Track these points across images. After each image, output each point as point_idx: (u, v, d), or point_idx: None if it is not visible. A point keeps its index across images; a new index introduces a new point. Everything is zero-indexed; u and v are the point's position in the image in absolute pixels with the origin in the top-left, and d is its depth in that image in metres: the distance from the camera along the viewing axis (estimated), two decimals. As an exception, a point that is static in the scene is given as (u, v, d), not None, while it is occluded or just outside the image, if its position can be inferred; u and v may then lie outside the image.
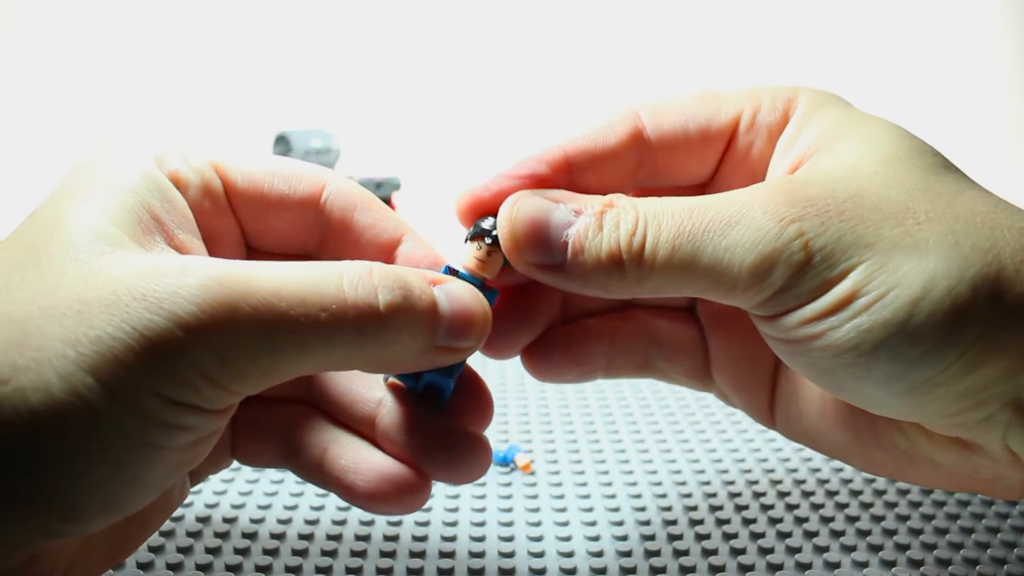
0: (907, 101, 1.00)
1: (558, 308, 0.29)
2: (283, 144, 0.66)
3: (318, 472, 0.26)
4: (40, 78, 1.01)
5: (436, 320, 0.22)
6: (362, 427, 0.26)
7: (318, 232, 0.26)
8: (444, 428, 0.25)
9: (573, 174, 0.26)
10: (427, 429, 0.25)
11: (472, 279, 0.24)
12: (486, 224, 0.24)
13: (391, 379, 0.26)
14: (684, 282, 0.22)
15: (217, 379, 0.19)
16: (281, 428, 0.27)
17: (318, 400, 0.27)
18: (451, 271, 0.25)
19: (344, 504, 0.33)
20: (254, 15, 1.02)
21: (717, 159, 0.27)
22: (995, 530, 0.32)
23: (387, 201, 0.64)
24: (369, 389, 0.26)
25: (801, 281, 0.21)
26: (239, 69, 1.02)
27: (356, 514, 0.33)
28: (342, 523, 0.32)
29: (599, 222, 0.23)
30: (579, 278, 0.23)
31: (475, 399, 0.26)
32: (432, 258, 0.26)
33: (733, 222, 0.22)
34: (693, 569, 0.29)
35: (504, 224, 0.23)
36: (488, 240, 0.24)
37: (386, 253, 0.26)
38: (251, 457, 0.27)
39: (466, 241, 0.25)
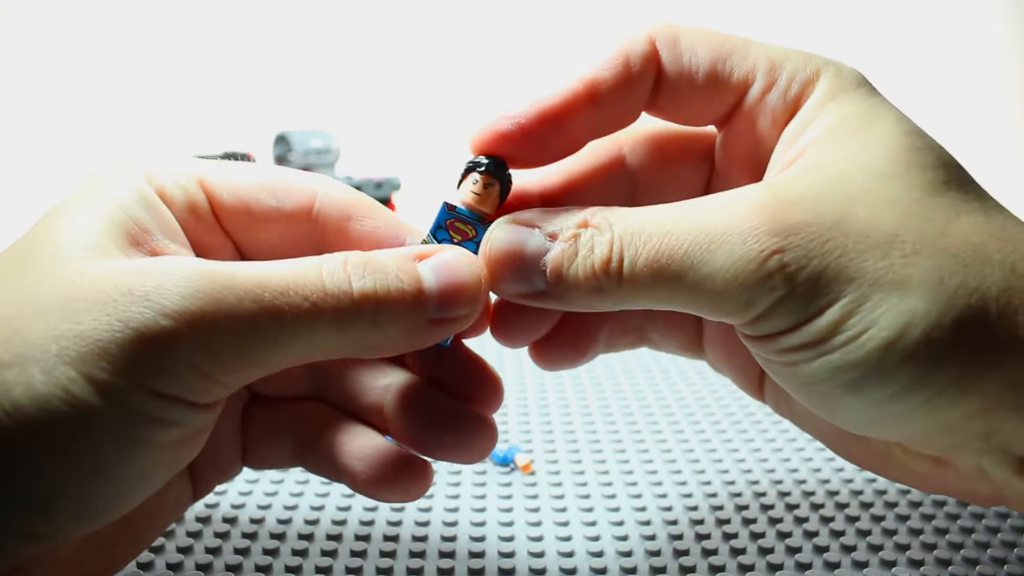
0: (908, 100, 1.00)
1: None
2: (283, 144, 0.66)
3: (330, 465, 0.26)
4: (40, 78, 1.01)
5: (421, 297, 0.22)
6: (371, 415, 0.27)
7: (313, 243, 0.26)
8: (451, 408, 0.26)
9: (595, 104, 0.25)
10: (434, 410, 0.26)
11: (471, 214, 0.24)
12: (476, 159, 0.24)
13: None
14: (665, 302, 0.22)
15: (205, 370, 0.20)
16: (293, 426, 0.27)
17: (327, 395, 0.28)
18: (449, 207, 0.24)
19: (344, 504, 0.33)
20: (254, 16, 1.02)
21: (726, 112, 0.26)
22: (995, 530, 0.32)
23: (386, 201, 0.64)
24: (374, 378, 0.27)
25: (780, 312, 0.21)
26: (239, 69, 1.02)
27: (356, 514, 0.33)
28: (342, 523, 0.32)
29: (574, 247, 0.22)
30: (563, 302, 0.23)
31: (484, 383, 0.27)
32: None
33: (714, 247, 0.21)
34: (693, 569, 0.29)
35: (482, 257, 0.23)
36: (481, 170, 0.24)
37: None
38: (263, 459, 0.28)
39: (461, 176, 0.25)
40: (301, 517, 0.32)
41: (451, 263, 0.23)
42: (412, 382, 0.27)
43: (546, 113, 0.24)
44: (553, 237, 0.23)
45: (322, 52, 1.02)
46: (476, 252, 0.24)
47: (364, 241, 0.26)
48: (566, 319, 0.28)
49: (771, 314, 0.21)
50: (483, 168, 0.24)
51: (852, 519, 0.33)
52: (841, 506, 0.34)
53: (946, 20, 1.01)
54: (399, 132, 1.01)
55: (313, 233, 0.26)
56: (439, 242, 0.24)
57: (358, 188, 0.64)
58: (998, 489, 0.23)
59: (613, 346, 0.30)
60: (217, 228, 0.26)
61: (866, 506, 0.34)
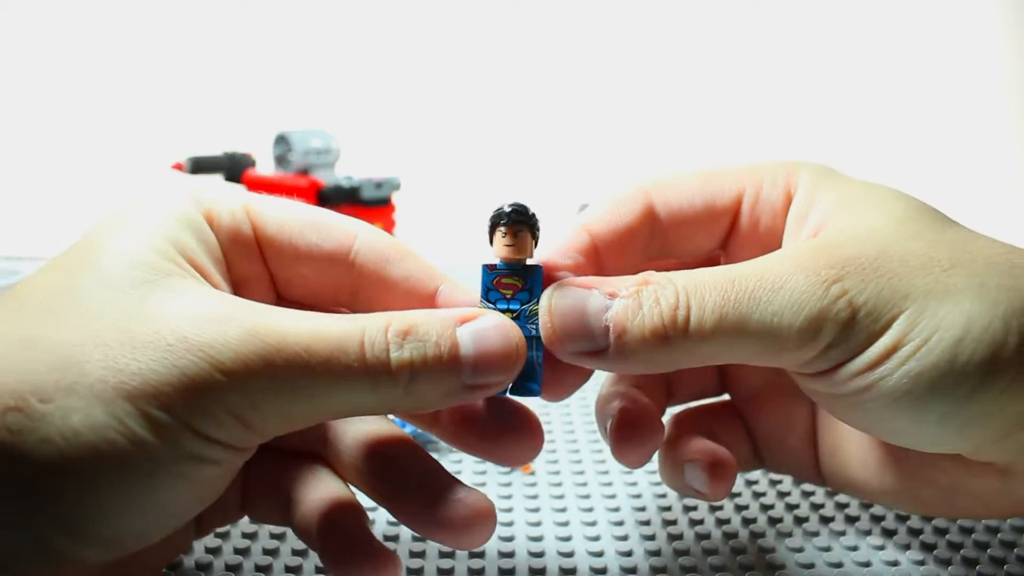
0: (908, 100, 1.00)
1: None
2: (283, 144, 0.66)
3: (306, 533, 0.26)
4: (40, 78, 1.01)
5: (458, 364, 0.22)
6: (422, 415, 0.28)
7: (349, 284, 0.26)
8: (501, 406, 0.26)
9: (600, 254, 0.27)
10: (486, 409, 0.26)
11: (511, 267, 0.25)
12: (499, 211, 0.24)
13: None
14: (733, 349, 0.23)
15: (246, 420, 0.21)
16: (287, 483, 0.27)
17: (328, 452, 0.28)
18: (489, 268, 0.25)
19: (344, 504, 0.33)
20: (254, 16, 1.02)
21: (723, 234, 0.28)
22: (995, 530, 0.32)
23: (386, 201, 0.64)
24: (353, 424, 0.27)
25: (849, 336, 0.22)
26: (239, 69, 1.02)
27: (356, 514, 0.33)
28: (342, 523, 0.32)
29: (637, 301, 0.23)
30: (624, 358, 0.23)
31: (523, 429, 0.27)
32: (472, 301, 0.26)
33: (777, 287, 0.22)
34: (694, 569, 0.29)
35: (544, 319, 0.24)
36: (505, 222, 0.24)
37: (426, 302, 0.26)
38: (259, 511, 0.28)
39: (489, 233, 0.25)
40: (301, 517, 0.32)
41: (489, 331, 0.23)
42: (389, 438, 0.27)
43: (553, 268, 0.26)
44: (612, 296, 0.23)
45: (322, 52, 1.02)
46: (528, 301, 0.25)
47: (402, 284, 0.26)
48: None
49: (840, 341, 0.22)
50: (507, 220, 0.24)
51: (852, 519, 0.33)
52: (841, 506, 0.34)
53: (946, 20, 1.01)
54: (399, 132, 1.01)
55: (349, 273, 0.26)
56: (492, 303, 0.25)
57: (358, 188, 0.63)
58: None
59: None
60: (258, 258, 0.26)
61: (866, 506, 0.34)
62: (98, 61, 1.01)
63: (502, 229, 0.24)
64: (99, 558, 0.21)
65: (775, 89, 1.01)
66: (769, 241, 0.28)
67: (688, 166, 0.29)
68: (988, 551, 0.30)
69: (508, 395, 0.25)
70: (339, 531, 0.25)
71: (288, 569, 0.29)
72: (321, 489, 0.26)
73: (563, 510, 0.33)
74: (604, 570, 0.29)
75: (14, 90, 1.01)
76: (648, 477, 0.36)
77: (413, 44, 1.02)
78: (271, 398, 0.21)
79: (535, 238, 0.25)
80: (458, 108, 1.03)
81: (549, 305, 0.24)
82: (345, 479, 0.27)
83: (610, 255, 0.27)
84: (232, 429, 0.21)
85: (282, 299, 0.27)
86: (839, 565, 0.29)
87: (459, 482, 0.25)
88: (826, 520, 0.33)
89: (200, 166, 0.66)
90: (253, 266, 0.26)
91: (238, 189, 0.27)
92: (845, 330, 0.22)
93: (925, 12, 1.01)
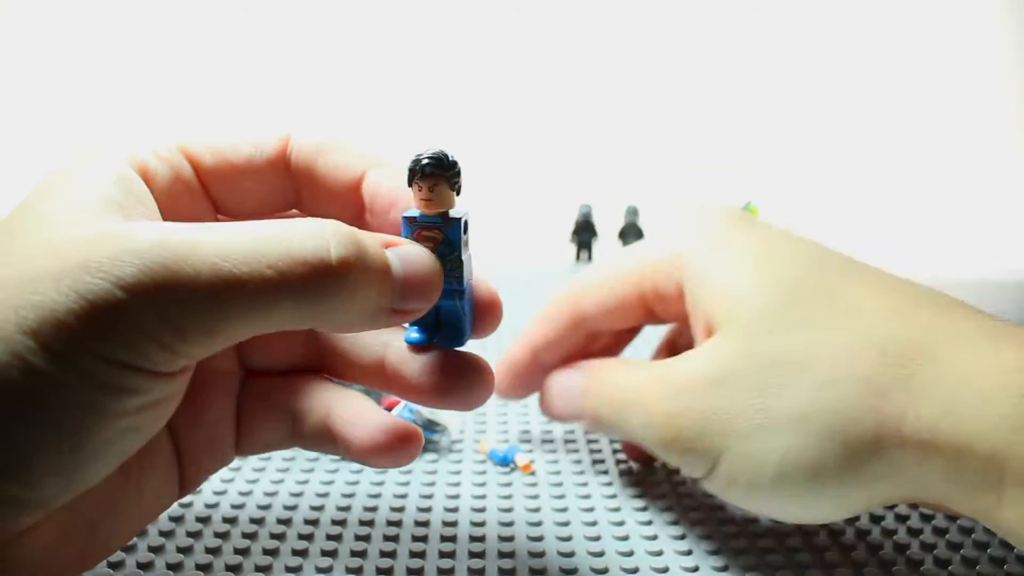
0: (907, 100, 1.00)
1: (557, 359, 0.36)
2: (283, 144, 0.66)
3: (324, 436, 0.27)
4: (40, 77, 1.01)
5: (389, 281, 0.22)
6: (371, 375, 0.27)
7: (292, 188, 0.27)
8: (452, 355, 0.26)
9: (538, 357, 0.36)
10: (435, 357, 0.26)
11: (431, 219, 0.24)
12: (414, 162, 0.23)
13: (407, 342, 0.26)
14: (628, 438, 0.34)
15: (162, 340, 0.20)
16: (288, 400, 0.27)
17: (323, 364, 0.28)
18: (409, 220, 0.24)
19: (344, 504, 0.33)
20: (255, 16, 1.02)
21: (642, 317, 0.34)
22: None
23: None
24: (372, 335, 0.27)
25: (689, 464, 0.29)
26: (239, 69, 1.02)
27: (356, 514, 0.33)
28: (342, 523, 0.32)
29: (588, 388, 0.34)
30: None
31: (485, 312, 0.27)
32: (396, 189, 0.26)
33: (639, 406, 0.30)
34: (695, 569, 0.29)
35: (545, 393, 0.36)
36: (420, 176, 0.23)
37: (354, 189, 0.26)
38: (258, 442, 0.28)
39: (409, 184, 0.24)
40: (301, 517, 0.32)
41: (413, 256, 0.23)
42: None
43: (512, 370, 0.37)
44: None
45: (322, 52, 1.02)
46: (451, 255, 0.24)
47: (332, 174, 0.26)
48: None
49: (683, 465, 0.30)
50: (421, 173, 0.23)
51: (851, 519, 0.33)
52: (841, 506, 0.34)
53: (946, 20, 1.01)
54: (399, 132, 1.01)
55: (289, 177, 0.27)
56: None
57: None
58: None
59: None
60: (201, 194, 0.26)
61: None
62: (98, 61, 1.01)
63: (419, 181, 0.23)
64: (52, 497, 0.20)
65: (774, 89, 1.01)
66: (681, 318, 0.33)
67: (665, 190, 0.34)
68: (988, 551, 0.30)
69: (440, 345, 0.26)
70: (362, 418, 0.26)
71: (288, 569, 0.29)
72: (329, 395, 0.27)
73: (563, 510, 0.33)
74: (605, 570, 0.29)
75: (14, 90, 1.00)
76: (648, 477, 0.36)
77: (414, 44, 1.02)
78: (183, 312, 0.20)
79: (455, 188, 0.24)
80: (458, 107, 1.03)
81: (549, 385, 0.36)
82: (356, 381, 0.28)
83: (549, 354, 0.36)
84: (147, 351, 0.20)
85: None
86: (837, 566, 0.29)
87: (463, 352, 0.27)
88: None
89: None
90: (198, 203, 0.26)
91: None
92: (685, 458, 0.29)
93: (924, 11, 1.01)
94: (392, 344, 0.27)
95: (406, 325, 0.27)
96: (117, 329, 0.19)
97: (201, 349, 0.21)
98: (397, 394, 0.27)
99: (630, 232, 0.73)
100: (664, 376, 0.30)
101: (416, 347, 0.26)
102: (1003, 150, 1.00)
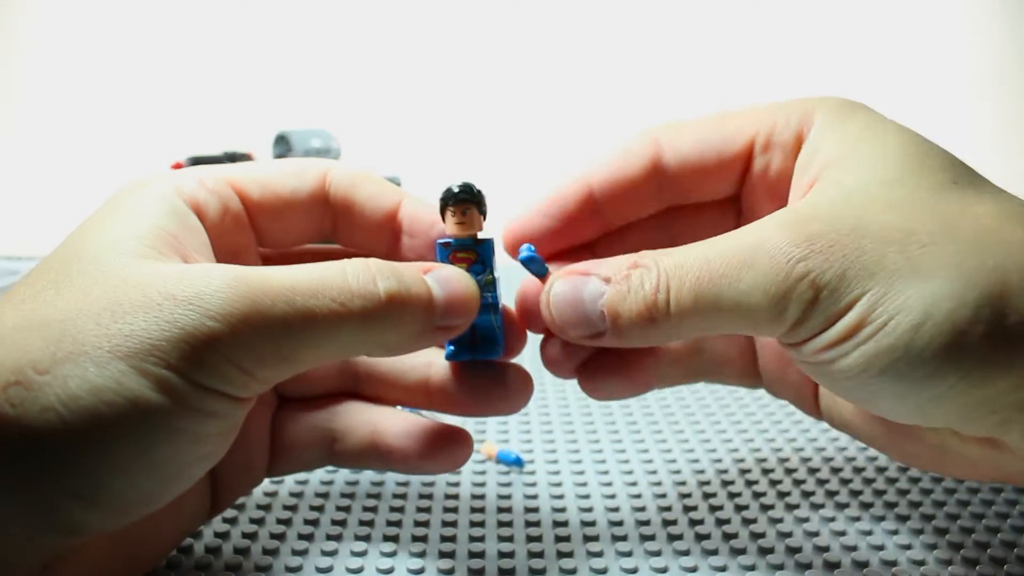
0: (907, 100, 1.00)
1: None
2: (283, 144, 0.66)
3: (369, 452, 0.29)
4: (40, 77, 1.01)
5: (432, 305, 0.24)
6: (415, 394, 0.30)
7: (330, 217, 0.29)
8: (490, 367, 0.28)
9: (599, 204, 0.28)
10: (477, 370, 0.29)
11: (463, 242, 0.27)
12: (447, 192, 0.27)
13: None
14: (712, 325, 0.24)
15: (244, 366, 0.21)
16: (326, 422, 0.29)
17: (365, 385, 0.31)
18: (444, 244, 0.27)
19: (344, 504, 0.33)
20: (255, 15, 1.02)
21: (737, 178, 0.29)
22: (995, 530, 0.32)
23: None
24: (414, 356, 0.29)
25: (812, 315, 0.23)
26: (239, 69, 1.02)
27: (356, 515, 0.33)
28: (341, 523, 0.32)
29: (627, 286, 0.24)
30: (621, 338, 0.25)
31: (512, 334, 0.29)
32: (432, 213, 0.28)
33: (746, 266, 0.23)
34: (695, 569, 0.29)
35: (545, 310, 0.26)
36: (453, 203, 0.27)
37: (391, 217, 0.29)
38: (293, 462, 0.30)
39: (440, 213, 0.27)
40: (301, 517, 0.32)
41: (451, 278, 0.25)
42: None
43: (554, 214, 0.29)
44: (607, 281, 0.25)
45: (322, 51, 1.02)
46: (483, 272, 0.27)
47: (368, 203, 0.28)
48: (614, 349, 0.29)
49: (805, 319, 0.23)
50: (454, 200, 0.27)
51: (853, 519, 0.33)
52: (841, 506, 0.34)
53: (945, 20, 1.01)
54: (399, 131, 1.01)
55: (328, 211, 0.29)
56: None
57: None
58: None
59: (667, 378, 0.32)
60: (247, 226, 0.28)
61: (866, 506, 0.34)
62: (98, 61, 1.01)
63: (451, 208, 0.27)
64: (109, 523, 0.21)
65: (774, 89, 1.01)
66: (779, 186, 0.28)
67: (699, 113, 0.30)
68: (988, 551, 0.30)
69: (477, 358, 0.28)
70: (414, 429, 0.28)
71: (288, 569, 0.29)
72: (370, 414, 0.29)
73: (563, 510, 0.33)
74: (604, 570, 0.29)
75: (15, 90, 1.00)
76: (648, 477, 0.36)
77: (413, 43, 1.02)
78: (263, 340, 0.21)
79: (483, 213, 0.27)
80: (458, 107, 1.03)
81: (550, 297, 0.26)
82: (393, 403, 0.30)
83: (612, 207, 0.29)
84: (232, 377, 0.21)
85: (269, 259, 0.30)
86: (837, 565, 0.29)
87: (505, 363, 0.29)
88: (826, 520, 0.33)
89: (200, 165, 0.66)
90: (244, 236, 0.28)
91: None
92: (809, 309, 0.23)
93: (924, 11, 1.01)
94: (435, 363, 0.29)
95: (446, 344, 0.29)
96: (207, 356, 0.21)
97: (276, 374, 0.22)
98: (439, 409, 0.29)
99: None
100: (793, 220, 0.24)
101: (457, 362, 0.29)
102: (999, 151, 1.00)
